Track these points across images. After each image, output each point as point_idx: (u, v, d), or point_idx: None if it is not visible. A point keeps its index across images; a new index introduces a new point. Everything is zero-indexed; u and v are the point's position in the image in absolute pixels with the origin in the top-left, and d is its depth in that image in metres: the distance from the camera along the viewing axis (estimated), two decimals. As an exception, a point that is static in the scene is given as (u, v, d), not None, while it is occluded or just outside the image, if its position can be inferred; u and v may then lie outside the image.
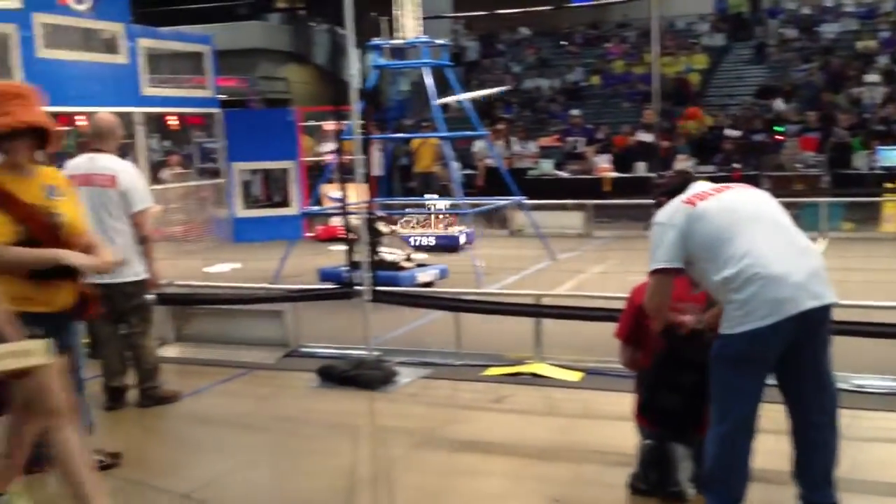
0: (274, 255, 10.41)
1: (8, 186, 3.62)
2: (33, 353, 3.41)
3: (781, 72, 21.37)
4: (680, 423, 3.67)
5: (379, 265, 7.96)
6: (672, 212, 3.51)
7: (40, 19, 11.06)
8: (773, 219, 3.51)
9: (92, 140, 5.73)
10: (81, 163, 5.64)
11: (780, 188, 14.43)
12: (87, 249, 3.85)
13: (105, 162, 5.56)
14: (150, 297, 5.81)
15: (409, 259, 9.50)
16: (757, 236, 3.39)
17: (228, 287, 7.68)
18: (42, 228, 3.65)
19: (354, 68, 6.82)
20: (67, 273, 3.72)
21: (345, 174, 7.72)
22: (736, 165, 15.32)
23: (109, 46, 12.25)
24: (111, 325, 5.73)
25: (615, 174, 15.87)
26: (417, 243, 12.02)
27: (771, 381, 3.46)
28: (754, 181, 15.10)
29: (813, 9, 24.32)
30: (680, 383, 3.56)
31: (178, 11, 27.03)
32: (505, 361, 6.40)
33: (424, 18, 11.03)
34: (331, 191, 12.36)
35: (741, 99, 20.44)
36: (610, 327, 4.27)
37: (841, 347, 5.79)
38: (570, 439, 5.00)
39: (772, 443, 3.68)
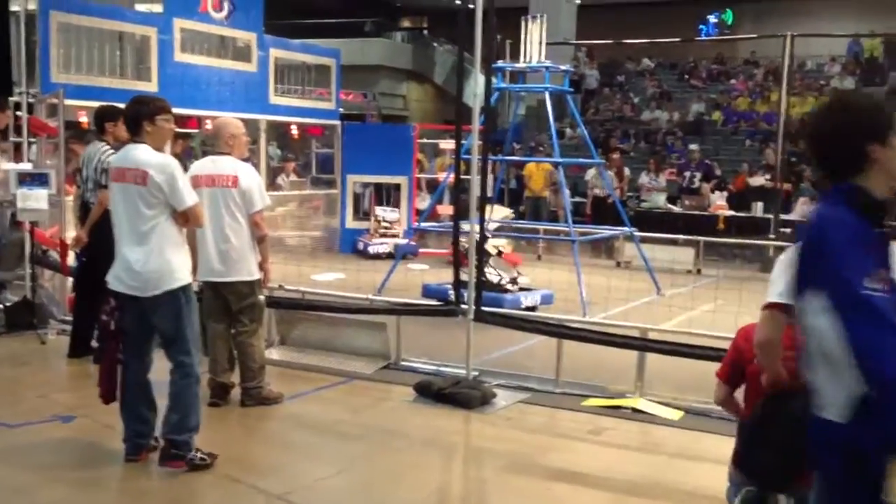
0: (379, 267, 10.53)
1: None
2: None
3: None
4: (778, 481, 3.50)
5: (484, 286, 7.97)
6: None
7: (180, 24, 11.55)
8: None
9: (215, 143, 5.95)
10: (205, 164, 5.88)
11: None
12: None
13: (226, 163, 5.77)
14: (262, 298, 5.96)
15: (514, 282, 9.47)
16: None
17: (334, 295, 7.81)
18: None
19: (478, 89, 6.87)
20: None
21: (459, 193, 7.78)
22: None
23: (241, 54, 12.70)
24: (222, 322, 5.90)
25: (730, 212, 15.48)
26: (365, 248, 13.11)
27: None
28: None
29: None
30: (779, 440, 3.37)
31: (307, 25, 27.89)
32: (605, 393, 6.30)
33: (548, 44, 11.04)
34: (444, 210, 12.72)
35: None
36: (715, 367, 4.15)
37: None
38: (664, 478, 4.88)
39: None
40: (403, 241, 13.03)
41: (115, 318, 4.71)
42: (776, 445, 3.33)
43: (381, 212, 13.83)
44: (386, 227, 13.46)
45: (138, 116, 4.66)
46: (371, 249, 13.24)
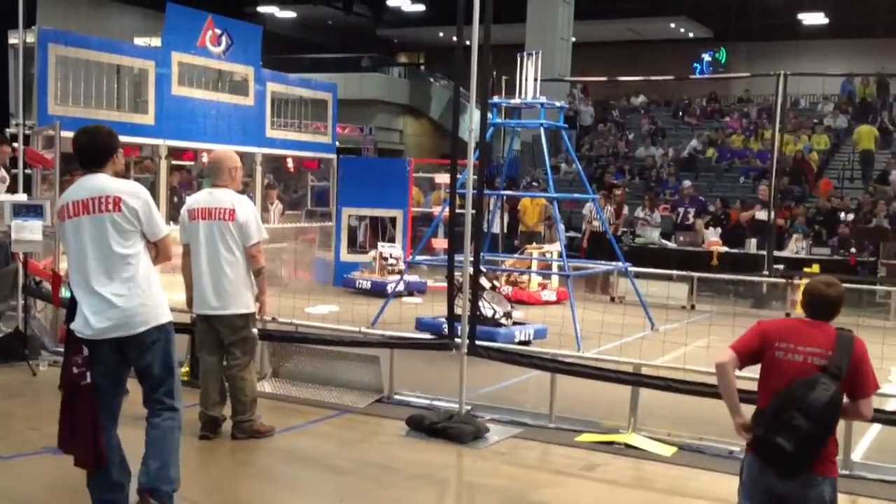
0: (372, 301, 10.52)
1: None
2: None
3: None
4: (795, 466, 3.51)
5: (478, 320, 7.95)
6: None
7: (178, 58, 11.64)
8: None
9: (213, 175, 5.98)
10: (201, 197, 5.89)
11: (898, 277, 13.89)
12: None
13: (223, 196, 5.78)
14: (255, 331, 5.95)
15: (508, 316, 9.46)
16: None
17: (327, 328, 7.79)
18: None
19: (473, 124, 6.92)
20: None
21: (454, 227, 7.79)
22: (852, 250, 14.79)
23: (238, 88, 12.78)
24: (214, 355, 5.88)
25: (724, 248, 15.52)
26: (361, 285, 12.87)
27: None
28: (871, 268, 14.59)
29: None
30: (794, 424, 3.41)
31: (305, 60, 28.12)
32: (598, 429, 6.28)
33: (543, 80, 11.14)
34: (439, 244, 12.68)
35: (861, 182, 19.84)
36: (709, 403, 4.15)
37: None
38: (659, 516, 4.85)
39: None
40: (414, 278, 13.08)
41: (89, 372, 4.17)
42: (795, 430, 3.41)
43: (383, 248, 13.62)
44: (392, 264, 13.32)
45: (111, 149, 4.37)
46: (388, 287, 12.82)
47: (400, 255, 13.49)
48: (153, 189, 10.78)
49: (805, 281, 12.44)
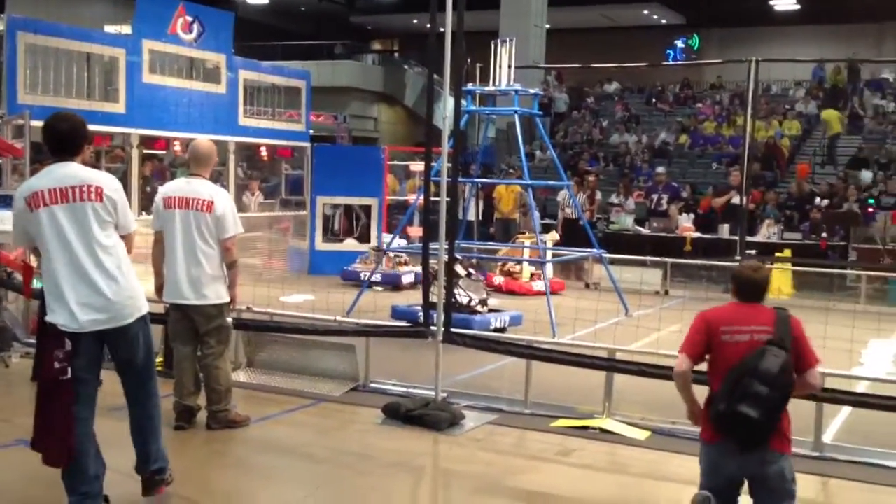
0: (348, 289, 10.50)
1: None
2: None
3: (877, 143, 20.87)
4: (758, 436, 3.63)
5: (453, 307, 7.97)
6: None
7: (149, 46, 11.51)
8: None
9: (190, 164, 5.93)
10: (179, 186, 5.84)
11: (867, 261, 14.06)
12: None
13: (201, 187, 5.74)
14: (229, 320, 5.93)
15: (483, 303, 9.49)
16: None
17: (302, 317, 7.78)
18: None
19: (447, 112, 6.91)
20: None
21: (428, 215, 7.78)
22: (823, 235, 14.95)
23: (211, 76, 12.67)
24: (189, 345, 5.86)
25: (697, 234, 15.64)
26: (369, 278, 12.21)
27: None
28: (842, 252, 14.76)
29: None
30: (754, 391, 3.60)
31: (277, 47, 27.91)
32: (573, 414, 6.32)
33: (517, 67, 11.14)
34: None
35: (832, 168, 20.05)
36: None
37: None
38: (632, 499, 4.93)
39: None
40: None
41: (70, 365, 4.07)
42: (756, 398, 3.60)
43: (390, 239, 12.76)
44: (398, 256, 13.10)
45: (86, 137, 4.34)
46: (404, 279, 12.73)
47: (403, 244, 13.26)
48: (125, 178, 10.68)
49: (776, 266, 12.43)
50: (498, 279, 12.70)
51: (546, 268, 11.63)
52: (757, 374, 3.60)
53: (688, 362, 3.87)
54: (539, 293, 12.18)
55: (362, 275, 12.50)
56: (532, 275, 12.82)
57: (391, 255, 12.78)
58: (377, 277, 12.45)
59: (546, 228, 14.65)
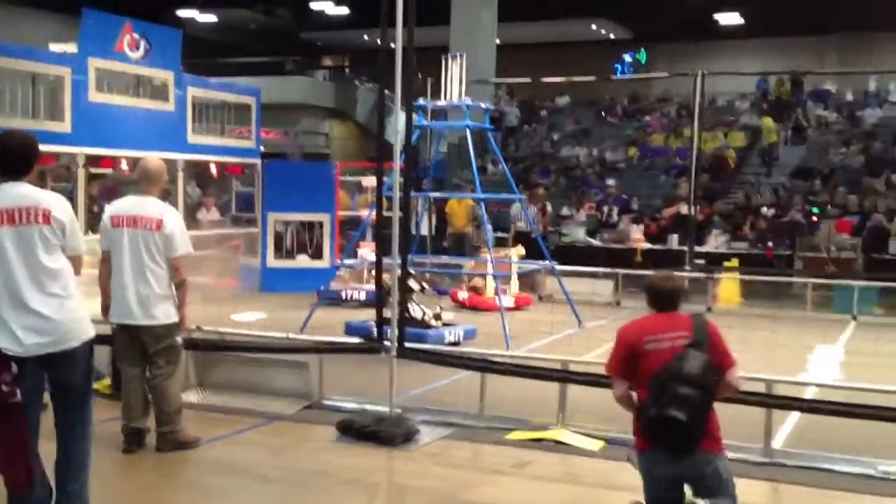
0: (301, 306, 10.43)
1: None
2: None
3: (820, 154, 21.34)
4: (686, 436, 3.70)
5: (407, 322, 7.96)
6: None
7: (95, 64, 11.37)
8: None
9: (138, 183, 5.85)
10: (127, 205, 5.75)
11: (813, 269, 14.35)
12: None
13: (150, 205, 5.67)
14: (179, 340, 5.85)
15: (437, 318, 9.49)
16: None
17: (254, 336, 7.71)
18: None
19: (399, 127, 6.92)
20: None
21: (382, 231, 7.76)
22: (769, 244, 15.24)
23: (158, 93, 12.54)
24: (137, 366, 5.76)
25: (647, 245, 15.84)
26: (350, 296, 12.19)
27: None
28: (788, 261, 15.05)
29: (856, 94, 24.38)
30: (681, 393, 3.68)
31: (226, 64, 27.72)
32: (528, 426, 6.34)
33: (468, 82, 11.19)
34: (366, 248, 12.39)
35: (777, 179, 20.45)
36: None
37: (868, 432, 5.81)
38: (587, 510, 4.93)
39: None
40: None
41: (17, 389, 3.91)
42: (683, 400, 3.68)
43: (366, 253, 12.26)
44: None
45: (37, 156, 4.19)
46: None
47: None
48: (71, 198, 10.50)
49: (724, 276, 12.64)
50: (462, 295, 12.61)
51: (513, 282, 11.63)
52: (681, 377, 3.69)
53: (623, 384, 3.97)
54: (506, 309, 12.13)
55: (343, 293, 12.39)
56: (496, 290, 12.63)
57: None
58: (361, 296, 12.32)
59: (499, 242, 14.73)
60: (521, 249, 13.00)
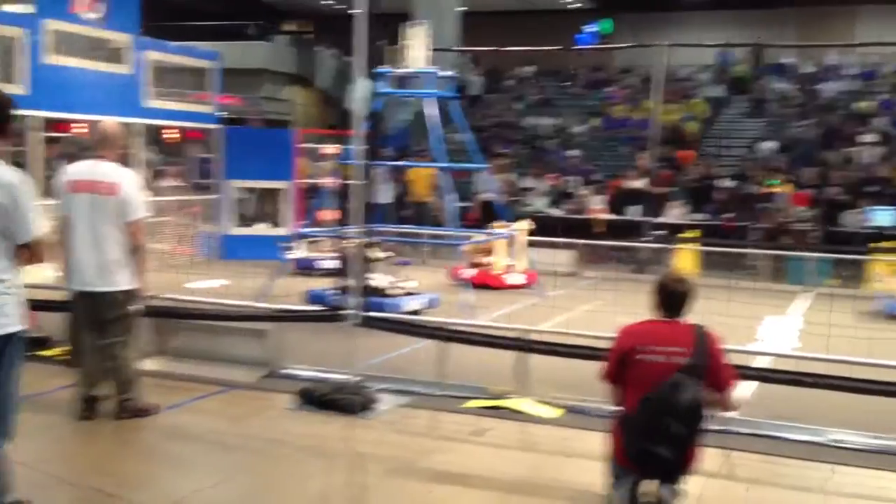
0: (261, 274, 10.38)
1: None
2: None
3: (778, 127, 21.58)
4: (676, 473, 3.67)
5: (368, 290, 7.96)
6: None
7: (50, 25, 11.12)
8: None
9: (96, 147, 5.75)
10: (84, 169, 5.65)
11: (769, 240, 14.58)
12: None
13: (107, 169, 5.58)
14: (135, 307, 5.79)
15: (397, 286, 9.50)
16: None
17: (214, 303, 7.66)
18: None
19: (360, 94, 6.86)
20: None
21: (342, 199, 7.75)
22: (728, 215, 15.43)
23: (116, 56, 12.31)
24: (93, 333, 5.70)
25: (608, 216, 15.95)
26: (321, 265, 11.96)
27: None
28: (745, 231, 15.25)
29: (815, 67, 24.61)
30: (672, 432, 3.57)
31: (187, 27, 27.22)
32: (487, 394, 6.39)
33: (432, 50, 11.12)
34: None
35: (737, 151, 20.67)
36: (593, 366, 4.28)
37: (819, 401, 5.96)
38: (544, 476, 5.01)
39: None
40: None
41: None
42: (673, 438, 3.56)
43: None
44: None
45: (8, 119, 3.91)
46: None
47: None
48: (19, 164, 10.32)
49: (680, 246, 12.72)
50: (468, 272, 11.53)
51: (523, 258, 11.37)
52: (675, 412, 3.54)
53: (616, 390, 3.86)
54: (513, 287, 11.64)
55: (315, 263, 12.22)
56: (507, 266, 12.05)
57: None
58: (331, 264, 11.81)
59: (463, 211, 14.71)
60: (529, 224, 12.59)
